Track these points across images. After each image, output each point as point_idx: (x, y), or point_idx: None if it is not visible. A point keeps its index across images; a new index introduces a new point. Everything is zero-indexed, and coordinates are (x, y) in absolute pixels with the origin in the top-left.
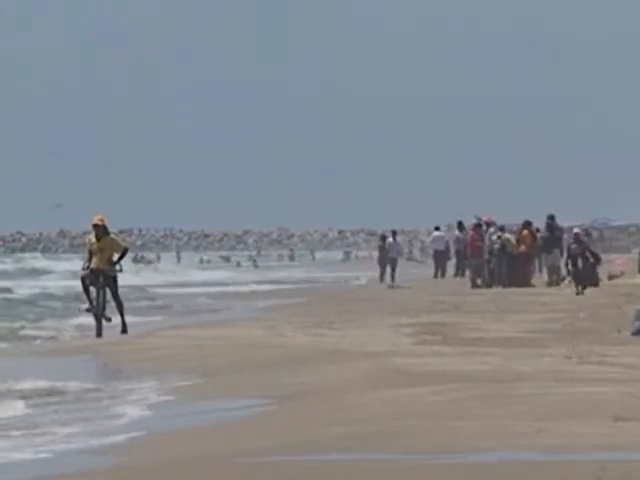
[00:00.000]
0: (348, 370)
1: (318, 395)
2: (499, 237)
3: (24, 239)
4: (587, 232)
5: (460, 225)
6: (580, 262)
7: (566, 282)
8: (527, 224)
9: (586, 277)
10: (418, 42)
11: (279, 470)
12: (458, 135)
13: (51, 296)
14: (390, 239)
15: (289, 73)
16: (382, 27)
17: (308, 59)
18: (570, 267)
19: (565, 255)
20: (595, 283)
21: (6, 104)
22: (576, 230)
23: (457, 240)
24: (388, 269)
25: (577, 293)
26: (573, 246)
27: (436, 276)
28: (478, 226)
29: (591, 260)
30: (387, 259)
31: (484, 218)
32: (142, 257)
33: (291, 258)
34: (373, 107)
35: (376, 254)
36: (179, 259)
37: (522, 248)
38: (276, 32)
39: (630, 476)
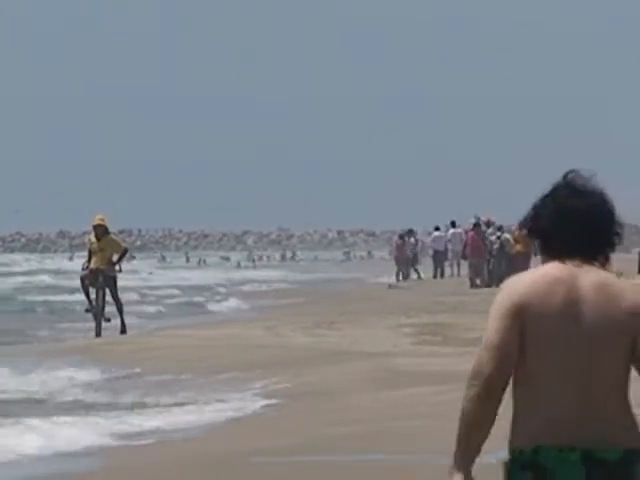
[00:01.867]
0: (349, 370)
1: (319, 395)
2: (498, 237)
3: (23, 239)
4: None
5: (436, 228)
6: None
7: None
8: None
9: None
10: (418, 42)
11: (280, 470)
12: (458, 135)
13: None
14: (407, 238)
15: (289, 73)
16: (382, 27)
17: (308, 60)
18: None
19: None
20: None
21: (5, 105)
22: None
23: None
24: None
25: None
26: None
27: (435, 276)
28: (477, 226)
29: None
30: (405, 258)
31: (483, 218)
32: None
33: (283, 258)
34: (373, 107)
35: (375, 253)
36: (188, 259)
37: (518, 248)
38: (277, 33)
39: None
